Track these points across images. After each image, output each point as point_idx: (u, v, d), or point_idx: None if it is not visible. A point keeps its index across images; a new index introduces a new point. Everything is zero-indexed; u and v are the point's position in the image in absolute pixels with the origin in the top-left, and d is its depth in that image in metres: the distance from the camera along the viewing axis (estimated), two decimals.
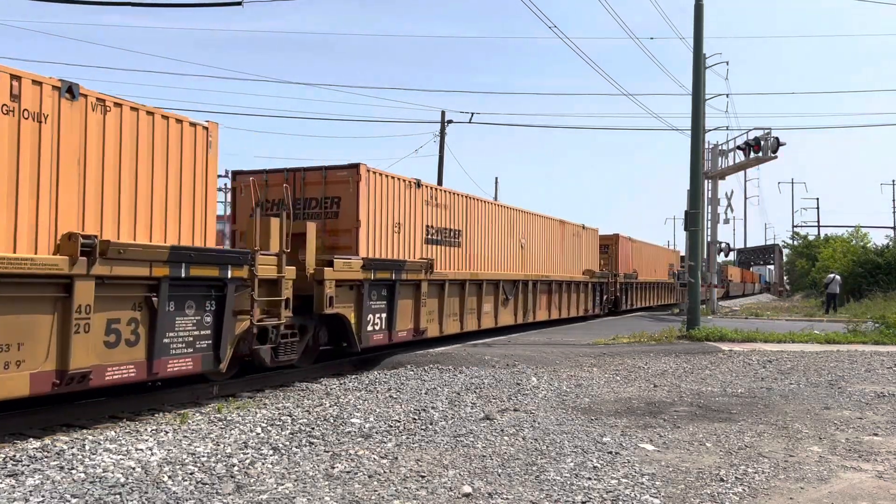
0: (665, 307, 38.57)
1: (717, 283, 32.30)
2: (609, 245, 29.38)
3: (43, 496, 5.20)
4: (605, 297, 27.48)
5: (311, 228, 11.48)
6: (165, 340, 8.39)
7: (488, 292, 17.26)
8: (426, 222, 14.73)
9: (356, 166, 12.70)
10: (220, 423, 7.85)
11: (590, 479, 5.84)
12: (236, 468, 6.02)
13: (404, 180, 13.95)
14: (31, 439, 7.21)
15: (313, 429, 7.56)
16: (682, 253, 44.94)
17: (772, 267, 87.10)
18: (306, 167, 13.36)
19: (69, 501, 5.12)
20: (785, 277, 78.58)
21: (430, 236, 14.86)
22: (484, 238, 17.45)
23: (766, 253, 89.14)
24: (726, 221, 34.72)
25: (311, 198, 13.15)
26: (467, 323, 16.15)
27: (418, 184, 14.41)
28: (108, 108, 8.04)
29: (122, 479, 5.64)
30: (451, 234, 15.76)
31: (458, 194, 16.34)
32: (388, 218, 13.42)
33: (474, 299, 16.57)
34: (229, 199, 15.68)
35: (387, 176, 13.44)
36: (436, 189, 15.36)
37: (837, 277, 31.84)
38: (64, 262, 7.19)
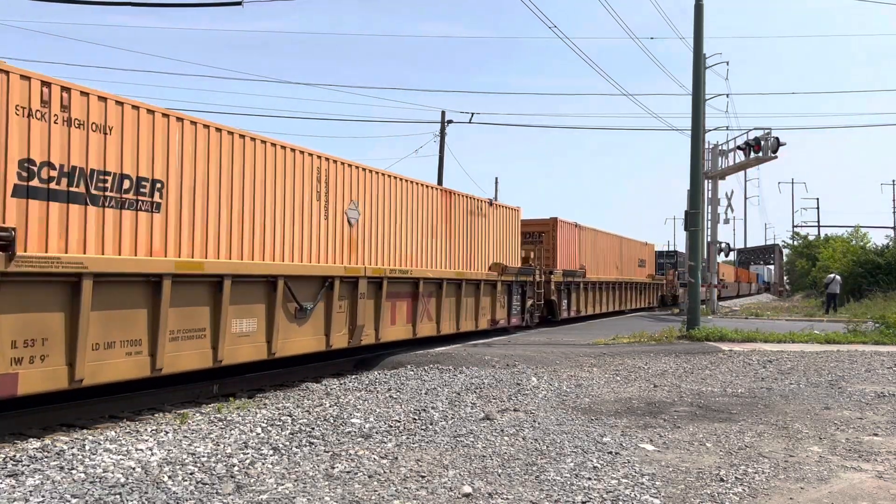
0: (635, 313, 32.51)
1: (715, 282, 32.09)
2: (544, 232, 22.69)
3: (43, 496, 5.20)
4: (530, 302, 20.08)
5: None
6: None
7: (247, 299, 9.88)
8: (23, 154, 7.17)
9: None
10: (220, 423, 7.85)
11: (590, 479, 5.84)
12: (236, 468, 6.02)
13: None
14: (31, 439, 7.21)
15: (313, 429, 7.56)
16: (658, 248, 38.34)
17: (770, 267, 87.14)
18: None
19: (69, 501, 5.12)
20: (785, 277, 78.60)
21: (35, 182, 7.28)
22: (236, 199, 9.82)
23: (766, 253, 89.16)
24: (726, 221, 34.69)
25: None
26: (167, 358, 8.63)
27: None
28: None
29: (122, 479, 5.64)
30: (126, 185, 8.25)
31: (147, 109, 8.57)
32: None
33: (203, 312, 9.20)
34: None
35: None
36: (60, 88, 7.57)
37: (837, 277, 31.84)
38: None
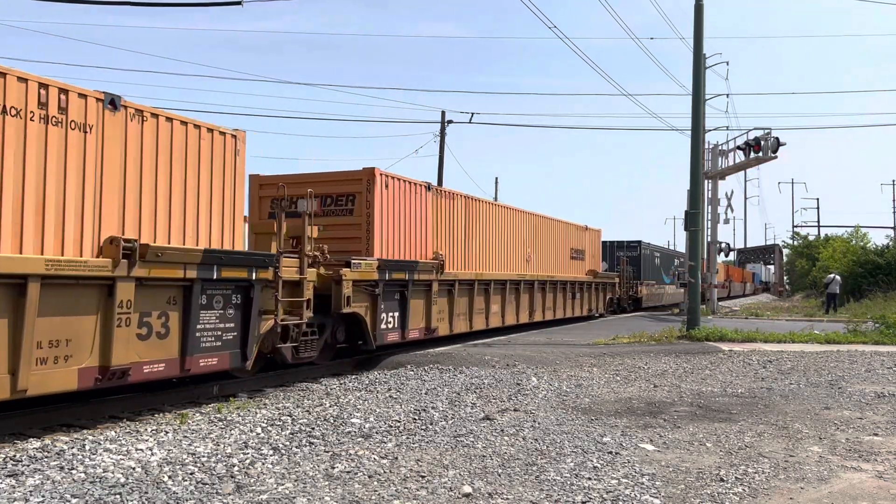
0: (565, 324, 23.04)
1: (715, 282, 31.94)
2: (353, 195, 13.16)
3: (43, 496, 5.20)
4: (268, 324, 10.09)
5: None
6: None
7: None
8: None
9: None
10: (221, 423, 7.85)
11: (590, 479, 5.84)
12: (236, 468, 6.02)
13: None
14: (31, 439, 7.21)
15: (313, 429, 7.56)
16: (605, 237, 28.61)
17: (770, 266, 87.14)
18: None
19: (69, 501, 5.12)
20: (785, 277, 78.58)
21: None
22: None
23: (766, 253, 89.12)
24: (726, 221, 34.70)
25: None
26: None
27: None
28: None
29: (123, 479, 5.65)
30: None
31: None
32: None
33: None
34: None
35: None
36: None
37: (837, 277, 31.84)
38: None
